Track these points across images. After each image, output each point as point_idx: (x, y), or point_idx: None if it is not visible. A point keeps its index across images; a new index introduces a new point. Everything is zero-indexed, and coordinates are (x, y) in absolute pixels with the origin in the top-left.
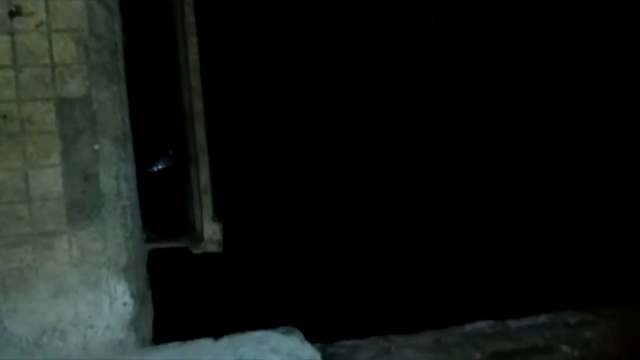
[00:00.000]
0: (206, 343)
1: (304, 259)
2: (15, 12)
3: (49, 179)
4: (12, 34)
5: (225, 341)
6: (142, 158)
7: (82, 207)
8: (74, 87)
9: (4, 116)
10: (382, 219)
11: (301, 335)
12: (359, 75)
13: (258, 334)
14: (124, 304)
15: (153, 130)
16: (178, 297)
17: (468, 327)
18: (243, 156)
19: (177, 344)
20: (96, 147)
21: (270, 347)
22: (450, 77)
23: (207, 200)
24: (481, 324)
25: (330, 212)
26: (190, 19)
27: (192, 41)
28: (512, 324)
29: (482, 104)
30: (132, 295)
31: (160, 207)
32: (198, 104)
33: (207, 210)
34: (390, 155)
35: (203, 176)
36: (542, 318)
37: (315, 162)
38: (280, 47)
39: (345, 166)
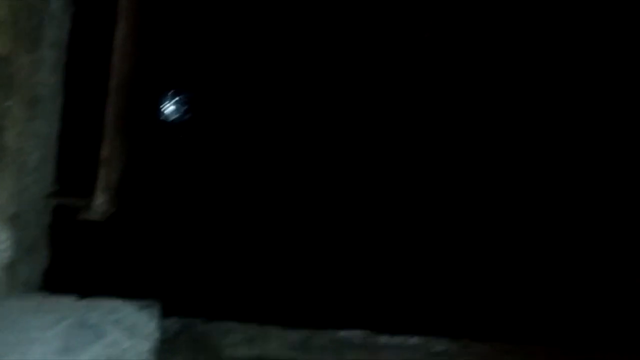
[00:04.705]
0: (65, 301)
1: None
2: None
3: None
4: None
5: (83, 302)
6: None
7: None
8: None
9: None
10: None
11: (157, 312)
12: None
13: (115, 303)
14: (4, 249)
15: None
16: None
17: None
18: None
19: (43, 294)
20: (8, 103)
21: (117, 317)
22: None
23: (102, 172)
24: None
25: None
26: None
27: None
28: None
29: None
30: (14, 243)
31: None
32: (113, 81)
33: (101, 181)
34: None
35: (104, 149)
36: None
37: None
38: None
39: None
